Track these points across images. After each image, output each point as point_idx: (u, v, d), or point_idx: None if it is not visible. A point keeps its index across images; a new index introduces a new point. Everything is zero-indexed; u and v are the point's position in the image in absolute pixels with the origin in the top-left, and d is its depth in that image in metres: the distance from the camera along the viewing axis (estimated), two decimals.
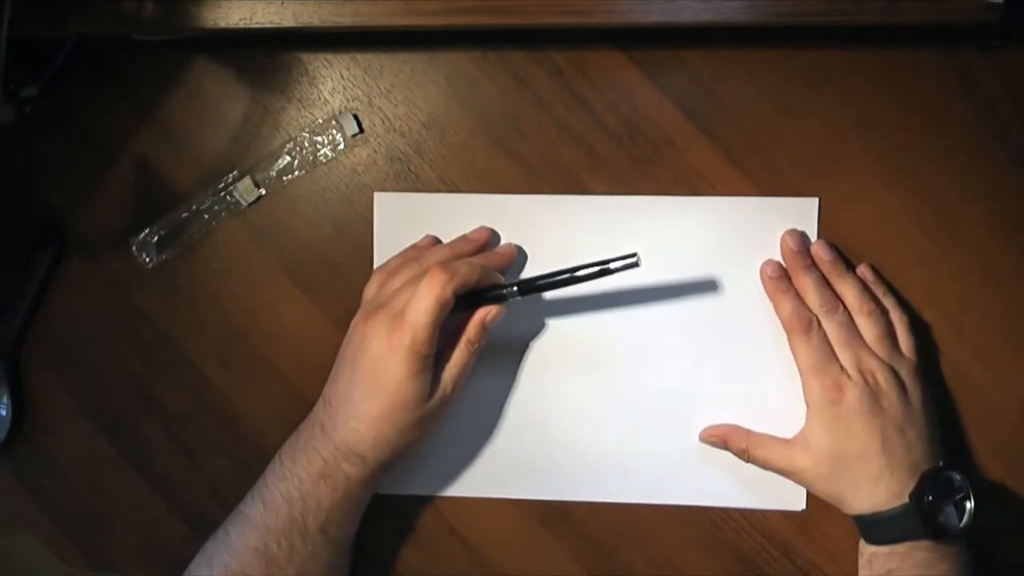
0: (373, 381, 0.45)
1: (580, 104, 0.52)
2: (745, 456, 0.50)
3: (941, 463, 0.46)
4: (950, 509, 0.45)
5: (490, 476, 0.53)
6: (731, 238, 0.52)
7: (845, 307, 0.49)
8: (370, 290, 0.50)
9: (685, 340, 0.52)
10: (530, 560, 0.54)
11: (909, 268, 0.51)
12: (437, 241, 0.52)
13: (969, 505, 0.45)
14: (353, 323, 0.48)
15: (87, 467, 0.55)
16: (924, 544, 0.45)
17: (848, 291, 0.49)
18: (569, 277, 0.46)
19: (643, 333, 0.52)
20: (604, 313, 0.52)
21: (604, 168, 0.52)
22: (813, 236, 0.51)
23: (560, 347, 0.52)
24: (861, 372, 0.47)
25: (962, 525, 0.45)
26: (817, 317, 0.49)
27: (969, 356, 0.52)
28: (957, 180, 0.51)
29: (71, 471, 0.55)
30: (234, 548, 0.47)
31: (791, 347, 0.49)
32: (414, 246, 0.52)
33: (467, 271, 0.45)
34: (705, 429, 0.51)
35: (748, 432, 0.51)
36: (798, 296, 0.49)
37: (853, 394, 0.46)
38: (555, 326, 0.52)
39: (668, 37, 0.51)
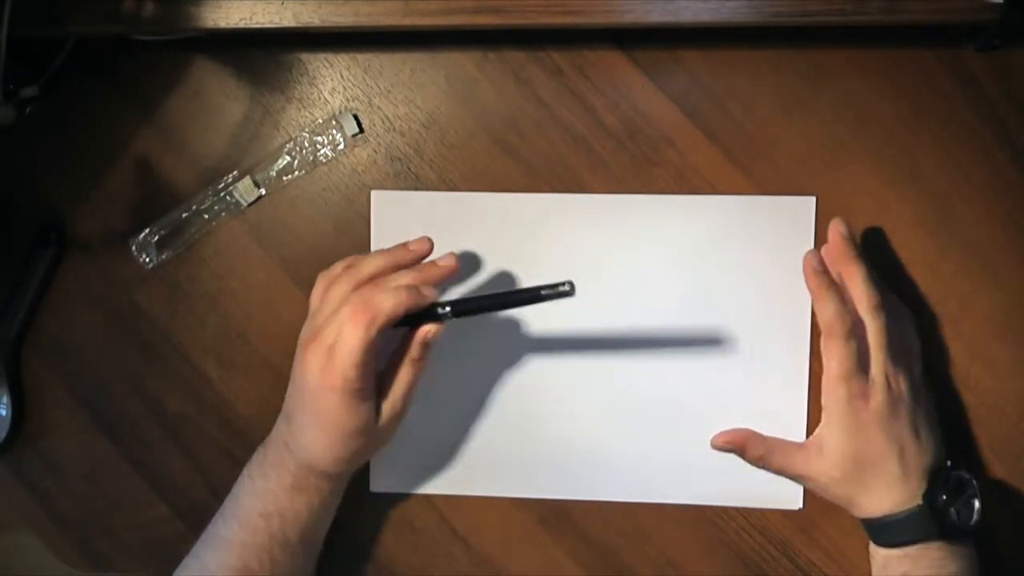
0: (316, 412, 0.45)
1: (580, 104, 0.52)
2: (760, 463, 0.50)
3: (949, 463, 0.46)
4: (961, 508, 0.45)
5: (490, 476, 0.53)
6: (730, 237, 0.52)
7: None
8: (314, 300, 0.48)
9: (685, 339, 0.52)
10: (530, 560, 0.54)
11: (909, 268, 0.51)
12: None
13: (977, 503, 0.45)
14: (299, 340, 0.47)
15: (87, 467, 0.55)
16: (936, 544, 0.45)
17: (875, 297, 0.47)
18: (502, 302, 0.46)
19: (643, 332, 0.52)
20: (604, 313, 0.52)
21: (604, 168, 0.52)
22: (811, 235, 0.51)
23: (560, 347, 0.52)
24: (887, 377, 0.46)
25: (973, 523, 0.45)
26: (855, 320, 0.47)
27: (969, 356, 0.52)
28: (957, 180, 0.51)
29: (71, 471, 0.55)
30: (212, 572, 0.46)
31: (825, 348, 0.47)
32: (357, 256, 0.49)
33: (392, 305, 0.43)
34: (719, 435, 0.50)
35: (764, 439, 0.50)
36: (841, 296, 0.47)
37: (877, 401, 0.46)
38: (554, 326, 0.53)
39: (668, 37, 0.51)
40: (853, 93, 0.51)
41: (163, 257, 0.54)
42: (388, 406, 0.47)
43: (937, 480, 0.45)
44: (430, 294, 0.45)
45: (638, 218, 0.52)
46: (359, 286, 0.46)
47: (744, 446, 0.50)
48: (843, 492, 0.48)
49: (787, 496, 0.52)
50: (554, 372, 0.53)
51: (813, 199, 0.51)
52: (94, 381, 0.55)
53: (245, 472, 0.49)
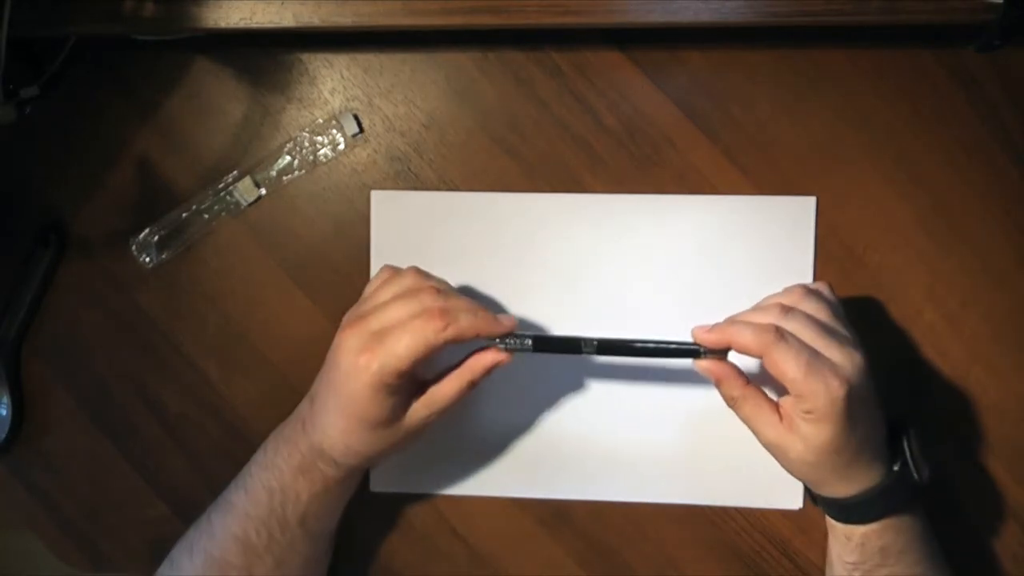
0: (341, 395, 0.44)
1: (580, 104, 0.52)
2: (731, 403, 0.46)
3: (896, 421, 0.46)
4: (920, 464, 0.45)
5: (490, 476, 0.53)
6: (730, 237, 0.52)
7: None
8: (371, 285, 0.48)
9: (684, 338, 0.52)
10: (530, 560, 0.54)
11: (909, 268, 0.52)
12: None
13: (930, 455, 0.45)
14: (343, 320, 0.46)
15: (87, 467, 0.55)
16: (905, 509, 0.45)
17: (775, 299, 0.46)
18: (578, 346, 0.45)
19: (642, 332, 0.52)
20: (603, 313, 0.52)
21: (604, 168, 0.52)
22: (811, 235, 0.51)
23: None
24: (845, 356, 0.43)
25: (931, 475, 0.44)
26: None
27: (969, 356, 0.52)
28: (957, 180, 0.51)
29: (71, 471, 0.55)
30: (215, 535, 0.47)
31: (772, 365, 0.43)
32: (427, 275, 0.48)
33: (469, 324, 0.43)
34: (704, 333, 0.45)
35: (745, 383, 0.45)
36: (746, 322, 0.44)
37: (854, 380, 0.42)
38: (554, 326, 0.52)
39: (668, 37, 0.51)
40: (853, 93, 0.51)
41: (163, 257, 0.54)
42: (422, 410, 0.45)
43: (898, 447, 0.45)
44: (509, 324, 0.45)
45: (638, 218, 0.52)
46: (429, 289, 0.45)
47: (721, 379, 0.45)
48: (812, 474, 0.45)
49: (787, 496, 0.52)
50: (554, 372, 0.53)
51: (813, 199, 0.51)
52: (94, 381, 0.55)
53: (264, 443, 0.49)
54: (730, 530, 0.53)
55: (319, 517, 0.48)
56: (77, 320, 0.55)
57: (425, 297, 0.44)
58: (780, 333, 0.42)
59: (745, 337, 0.43)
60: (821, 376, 0.42)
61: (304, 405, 0.48)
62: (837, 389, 0.42)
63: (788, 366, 0.42)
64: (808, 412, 0.43)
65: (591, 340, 0.45)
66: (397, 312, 0.44)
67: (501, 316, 0.45)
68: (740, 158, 0.52)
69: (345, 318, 0.46)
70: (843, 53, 0.51)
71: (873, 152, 0.51)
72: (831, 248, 0.52)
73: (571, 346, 0.45)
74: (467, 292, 0.53)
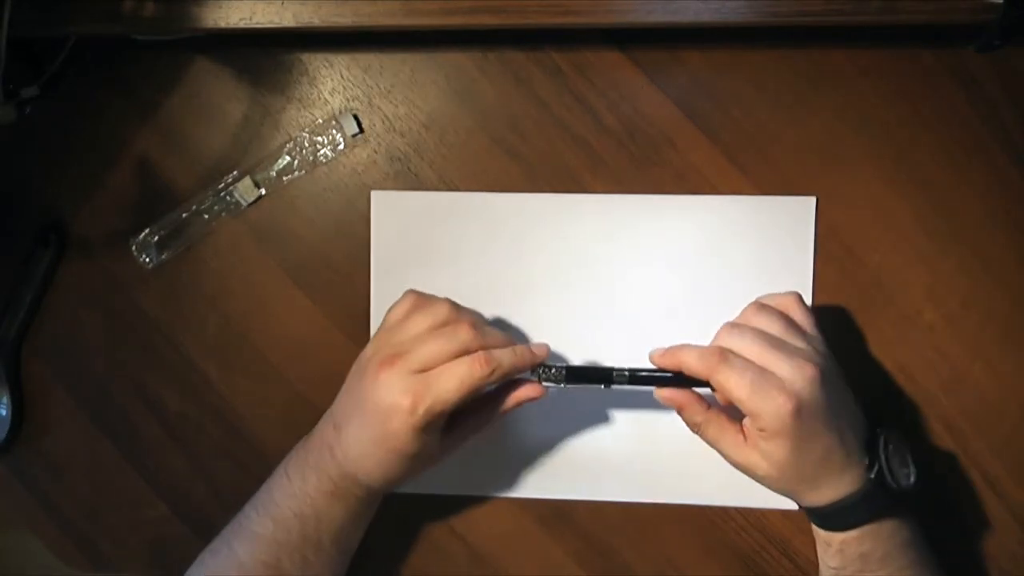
0: (381, 431, 0.44)
1: (580, 104, 0.52)
2: (696, 430, 0.47)
3: (875, 428, 0.45)
4: (899, 470, 0.44)
5: (490, 476, 0.53)
6: (730, 237, 0.52)
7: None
8: (396, 314, 0.47)
9: (684, 338, 0.52)
10: (530, 560, 0.54)
11: (909, 267, 0.52)
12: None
13: (910, 458, 0.45)
14: (368, 355, 0.46)
15: (87, 467, 0.55)
16: (887, 515, 0.45)
17: (729, 321, 0.46)
18: (612, 377, 0.46)
19: (642, 332, 0.52)
20: (603, 313, 0.52)
21: (604, 168, 0.52)
22: (811, 235, 0.51)
23: (559, 346, 0.52)
24: (795, 369, 0.42)
25: (913, 481, 0.44)
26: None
27: (969, 356, 0.52)
28: (957, 180, 0.51)
29: (71, 471, 0.56)
30: (243, 564, 0.46)
31: (719, 386, 0.43)
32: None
33: (509, 366, 0.44)
34: (661, 389, 0.46)
35: (706, 408, 0.46)
36: (693, 345, 0.45)
37: (804, 394, 0.42)
38: (554, 326, 0.52)
39: (668, 37, 0.51)
40: (853, 93, 0.51)
41: (163, 257, 0.54)
42: (459, 441, 0.48)
43: (875, 452, 0.44)
44: (544, 353, 0.46)
45: (638, 218, 0.52)
46: (466, 325, 0.45)
47: (683, 406, 0.46)
48: (784, 488, 0.46)
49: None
50: None
51: (813, 199, 0.51)
52: (94, 381, 0.55)
53: (282, 469, 0.48)
54: (730, 530, 0.53)
55: (351, 535, 0.49)
56: (77, 320, 0.55)
57: (463, 334, 0.44)
58: (723, 355, 0.43)
59: (691, 360, 0.44)
60: (766, 393, 0.42)
61: (327, 431, 0.47)
62: (784, 404, 0.41)
63: (732, 385, 0.42)
64: (761, 430, 0.43)
65: (623, 371, 0.46)
66: (437, 350, 0.44)
67: (535, 346, 0.46)
68: (740, 158, 0.52)
69: (375, 350, 0.46)
70: (843, 53, 0.51)
71: (873, 152, 0.51)
72: (831, 248, 0.52)
73: (602, 376, 0.46)
74: (468, 292, 0.52)
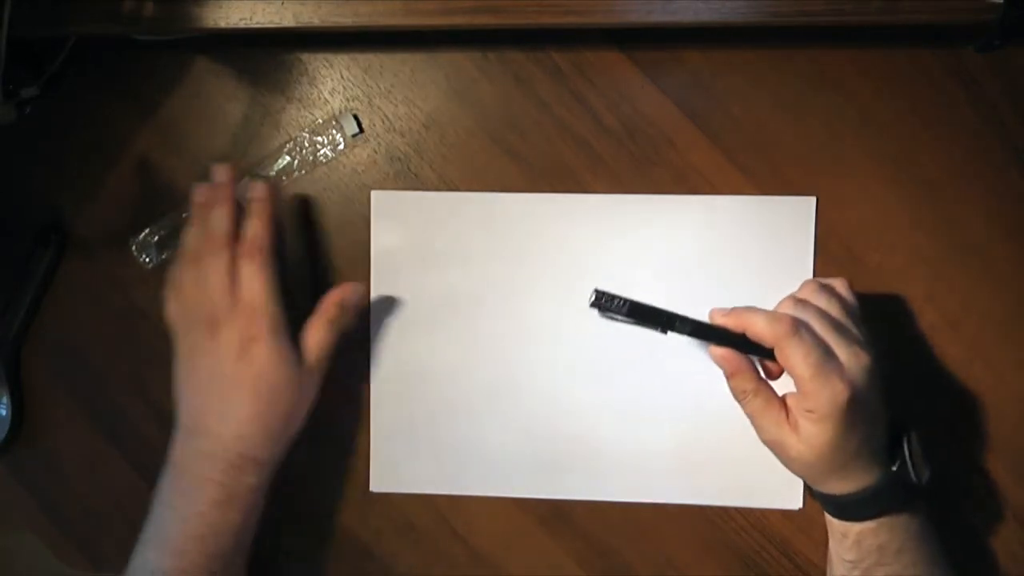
0: (244, 382, 0.45)
1: (580, 104, 0.52)
2: (739, 397, 0.45)
3: (900, 422, 0.46)
4: (920, 465, 0.45)
5: (490, 476, 0.53)
6: (730, 237, 0.52)
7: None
8: (184, 284, 0.48)
9: (684, 338, 0.52)
10: (530, 560, 0.54)
11: (909, 268, 0.52)
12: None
13: (927, 457, 0.45)
14: (189, 343, 0.47)
15: (87, 467, 0.55)
16: (905, 508, 0.45)
17: (792, 294, 0.46)
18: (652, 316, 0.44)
19: (642, 332, 0.52)
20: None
21: (604, 168, 0.52)
22: (811, 235, 0.51)
23: (559, 346, 0.52)
24: (852, 356, 0.42)
25: (931, 476, 0.44)
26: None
27: (969, 356, 0.52)
28: (957, 180, 0.51)
29: (71, 471, 0.55)
30: None
31: (783, 358, 0.43)
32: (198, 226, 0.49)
33: (264, 230, 0.47)
34: (722, 316, 0.45)
35: (757, 378, 0.45)
36: (763, 310, 0.44)
37: (858, 382, 0.42)
38: (554, 325, 0.53)
39: (668, 37, 0.51)
40: (853, 93, 0.51)
41: (163, 257, 0.54)
42: (305, 366, 0.47)
43: (899, 447, 0.44)
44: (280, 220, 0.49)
45: (638, 218, 0.52)
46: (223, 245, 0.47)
47: (735, 372, 0.45)
48: (812, 472, 0.45)
49: (787, 496, 0.52)
50: (554, 372, 0.53)
51: (813, 199, 0.51)
52: (94, 381, 0.55)
53: (157, 502, 0.47)
54: (730, 530, 0.53)
55: (248, 535, 0.48)
56: (77, 320, 0.55)
57: (213, 237, 0.48)
58: (795, 325, 0.42)
59: (759, 324, 0.43)
60: (827, 377, 0.42)
61: (188, 443, 0.47)
62: (841, 392, 0.42)
63: (797, 360, 0.42)
64: (809, 411, 0.42)
65: (686, 319, 0.44)
66: (216, 264, 0.47)
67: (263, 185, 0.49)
68: (740, 158, 0.52)
69: (190, 322, 0.47)
70: (843, 53, 0.51)
71: (873, 152, 0.51)
72: (831, 248, 0.52)
73: (665, 320, 0.44)
74: (467, 292, 0.53)
